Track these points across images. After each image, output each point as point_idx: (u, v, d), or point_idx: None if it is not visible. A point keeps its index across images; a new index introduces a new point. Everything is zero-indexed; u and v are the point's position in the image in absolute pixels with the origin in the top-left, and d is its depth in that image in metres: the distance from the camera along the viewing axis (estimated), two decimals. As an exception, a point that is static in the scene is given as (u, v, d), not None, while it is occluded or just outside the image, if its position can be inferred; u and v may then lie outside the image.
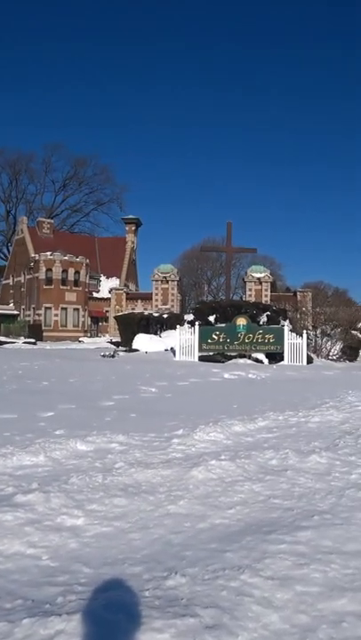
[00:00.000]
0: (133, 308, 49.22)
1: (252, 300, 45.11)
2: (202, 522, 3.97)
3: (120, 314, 38.72)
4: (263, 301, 43.67)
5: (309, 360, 24.59)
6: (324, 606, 2.81)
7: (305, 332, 25.11)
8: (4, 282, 64.09)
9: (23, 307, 57.72)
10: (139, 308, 49.92)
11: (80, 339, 49.60)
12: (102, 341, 45.04)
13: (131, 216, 67.32)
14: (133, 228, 66.31)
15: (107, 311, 56.43)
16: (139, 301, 53.95)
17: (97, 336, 55.58)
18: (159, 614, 2.60)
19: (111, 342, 39.85)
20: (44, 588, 2.92)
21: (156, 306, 49.66)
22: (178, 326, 25.48)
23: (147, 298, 53.53)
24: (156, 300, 51.86)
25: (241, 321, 24.83)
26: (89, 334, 55.72)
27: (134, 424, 7.79)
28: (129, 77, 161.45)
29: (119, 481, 4.73)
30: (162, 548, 3.50)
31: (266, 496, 4.56)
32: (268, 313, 27.14)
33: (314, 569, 3.18)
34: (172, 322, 29.01)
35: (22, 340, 42.20)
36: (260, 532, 3.75)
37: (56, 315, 54.20)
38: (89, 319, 57.67)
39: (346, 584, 3.03)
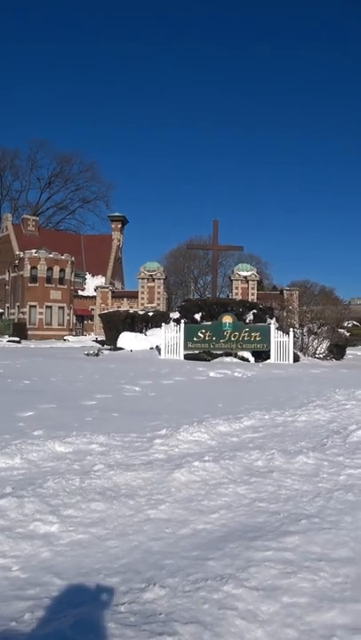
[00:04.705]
0: (119, 307, 48.91)
1: (239, 298, 44.97)
2: (184, 527, 3.77)
3: (105, 312, 38.38)
4: (250, 300, 43.54)
5: (296, 358, 24.48)
6: (313, 619, 2.63)
7: (291, 330, 24.97)
8: (-13, 280, 63.47)
9: (7, 305, 57.15)
10: (125, 306, 49.61)
11: (65, 337, 49.16)
12: (88, 340, 44.66)
13: (117, 214, 66.92)
14: (119, 226, 65.91)
15: (92, 309, 56.06)
16: (125, 300, 53.68)
17: (82, 335, 55.16)
18: (134, 633, 2.39)
19: (97, 341, 39.51)
20: (12, 602, 2.70)
21: (143, 304, 49.42)
22: (163, 324, 25.26)
23: (133, 296, 53.27)
24: (143, 299, 51.62)
25: (227, 319, 24.66)
26: (74, 333, 55.27)
27: (116, 424, 7.57)
28: (115, 76, 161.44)
29: (97, 484, 4.51)
30: (141, 557, 3.29)
31: (251, 499, 4.37)
32: (255, 311, 27.00)
33: (302, 578, 2.99)
34: (157, 320, 28.77)
35: (6, 338, 41.70)
36: (245, 537, 3.56)
37: (41, 313, 53.69)
38: (74, 317, 57.20)
39: (336, 594, 2.85)
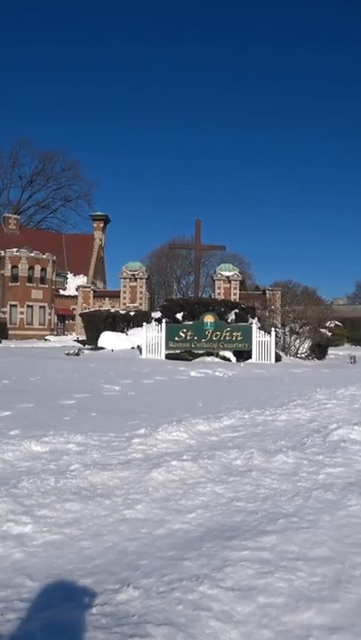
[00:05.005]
0: (101, 306, 48.63)
1: (221, 298, 44.97)
2: (160, 527, 3.71)
3: (85, 311, 38.14)
4: (232, 300, 43.55)
5: (278, 358, 24.52)
6: (289, 619, 2.58)
7: (273, 329, 25.00)
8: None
9: (-12, 304, 56.66)
10: (106, 306, 49.34)
11: (47, 337, 48.86)
12: (69, 340, 44.38)
13: (99, 213, 66.65)
14: (102, 225, 65.65)
15: (74, 309, 55.72)
16: (106, 299, 53.40)
17: (64, 334, 54.87)
18: (105, 636, 2.33)
19: (78, 340, 39.24)
20: (-18, 605, 2.62)
21: (125, 304, 49.21)
22: (145, 324, 25.15)
23: (115, 296, 53.03)
24: (125, 299, 51.40)
25: (209, 318, 24.62)
26: (56, 332, 54.96)
27: (94, 423, 7.49)
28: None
29: (73, 484, 4.43)
30: (115, 557, 3.23)
31: (229, 498, 4.32)
32: (237, 311, 26.99)
33: (278, 577, 2.95)
34: (139, 319, 28.64)
35: (-14, 338, 41.32)
36: (222, 537, 3.51)
37: (22, 312, 53.30)
38: (55, 317, 56.90)
39: (313, 594, 2.81)
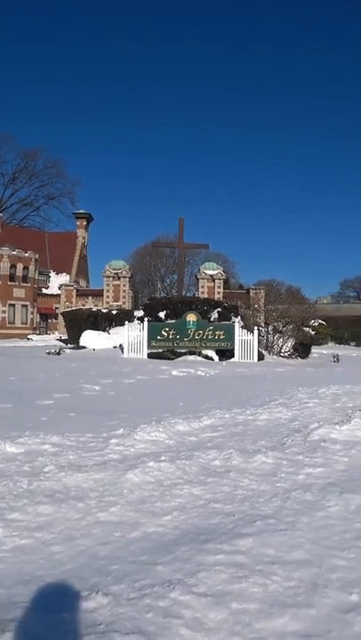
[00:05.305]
0: (84, 305, 48.31)
1: (205, 297, 44.92)
2: (134, 530, 3.62)
3: (67, 310, 37.86)
4: (216, 298, 43.50)
5: (261, 357, 24.51)
6: (262, 626, 2.51)
7: (256, 328, 24.99)
8: None
9: (-31, 303, 56.05)
10: (90, 304, 49.05)
11: (29, 336, 48.40)
12: (52, 339, 44.01)
13: (82, 210, 66.22)
14: (84, 223, 65.24)
15: (57, 308, 55.29)
16: (89, 298, 53.10)
17: (47, 333, 54.42)
18: (70, 647, 2.24)
19: (61, 339, 38.94)
20: None
21: (108, 302, 48.98)
22: (126, 322, 25.00)
23: (98, 294, 52.74)
24: (108, 297, 51.16)
25: (191, 317, 24.53)
26: (38, 332, 54.49)
27: (72, 424, 7.37)
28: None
29: (46, 486, 4.33)
30: (86, 562, 3.14)
31: (206, 500, 4.24)
32: (220, 309, 26.92)
33: (253, 582, 2.88)
34: (121, 318, 28.46)
35: (-32, 337, 40.87)
36: (197, 540, 3.43)
37: (4, 311, 52.76)
38: (38, 316, 56.41)
39: (288, 599, 2.74)
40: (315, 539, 3.51)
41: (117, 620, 2.46)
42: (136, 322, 25.28)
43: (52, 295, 57.18)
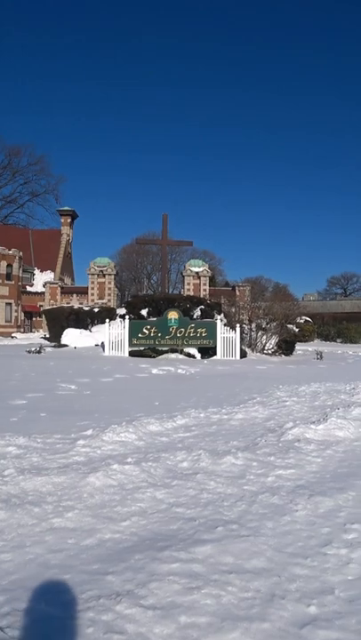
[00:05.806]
0: (69, 303, 48.04)
1: (191, 294, 44.81)
2: (89, 537, 3.47)
3: (48, 308, 37.54)
4: (202, 296, 43.37)
5: (243, 354, 24.39)
6: (210, 642, 2.36)
7: (238, 325, 24.84)
8: None
9: None
10: (74, 302, 48.76)
11: (13, 334, 47.99)
12: (36, 337, 43.64)
13: (66, 208, 65.79)
14: (69, 220, 64.81)
15: (41, 306, 54.90)
16: (74, 296, 52.80)
17: (31, 332, 54.02)
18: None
19: (45, 338, 38.63)
20: None
21: (93, 300, 48.72)
22: (108, 320, 24.76)
23: (83, 292, 52.45)
24: (93, 295, 50.88)
25: (173, 315, 24.33)
26: (22, 330, 54.03)
27: (41, 424, 7.18)
28: (64, 70, 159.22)
29: (3, 491, 4.16)
30: (35, 572, 2.98)
31: (168, 504, 4.09)
32: (202, 307, 26.75)
33: (206, 593, 2.74)
34: (103, 316, 28.24)
35: None
36: (154, 548, 3.29)
37: (-13, 309, 52.31)
38: (22, 314, 55.96)
39: (241, 611, 2.61)
40: (278, 545, 3.39)
41: (54, 636, 2.32)
42: (118, 319, 25.06)
43: (36, 293, 56.78)
